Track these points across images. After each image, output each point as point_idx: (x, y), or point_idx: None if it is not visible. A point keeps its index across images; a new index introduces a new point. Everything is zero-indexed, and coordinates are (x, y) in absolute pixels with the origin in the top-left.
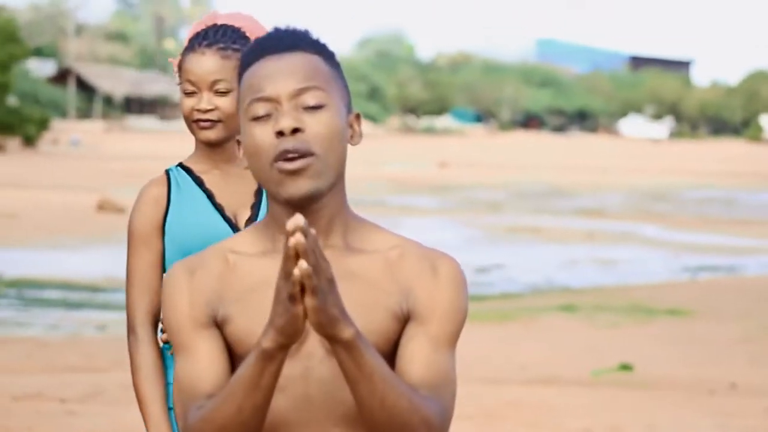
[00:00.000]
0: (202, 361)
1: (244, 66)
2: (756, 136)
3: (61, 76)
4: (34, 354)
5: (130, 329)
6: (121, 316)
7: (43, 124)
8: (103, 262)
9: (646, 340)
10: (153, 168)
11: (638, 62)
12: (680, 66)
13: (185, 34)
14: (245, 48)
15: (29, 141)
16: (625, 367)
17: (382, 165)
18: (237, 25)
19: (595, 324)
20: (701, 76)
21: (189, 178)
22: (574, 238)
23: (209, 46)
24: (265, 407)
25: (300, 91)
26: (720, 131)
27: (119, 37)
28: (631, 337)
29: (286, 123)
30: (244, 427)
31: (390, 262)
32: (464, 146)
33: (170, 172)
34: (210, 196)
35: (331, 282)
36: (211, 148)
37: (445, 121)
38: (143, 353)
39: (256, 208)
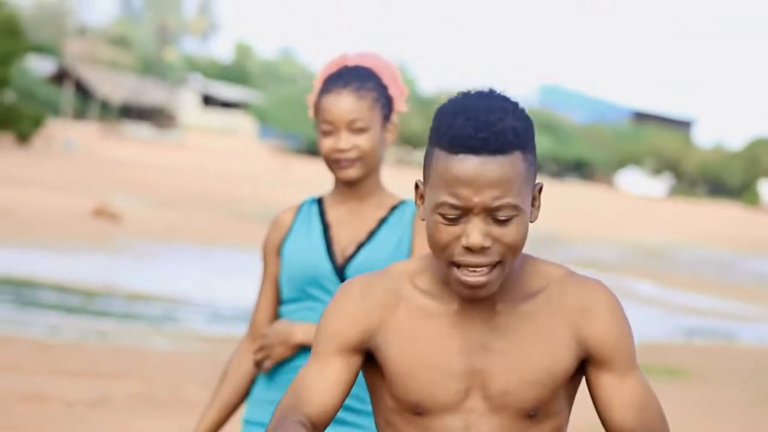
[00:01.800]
0: (327, 379)
1: (439, 141)
2: (753, 201)
3: (60, 77)
4: (37, 356)
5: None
6: (122, 326)
7: (38, 122)
8: (99, 268)
9: None
10: (149, 177)
11: (641, 117)
12: (682, 125)
13: (187, 43)
14: (441, 114)
15: (23, 138)
16: None
17: None
18: (366, 64)
19: None
20: (703, 137)
21: (317, 209)
22: None
23: (345, 86)
24: None
25: (495, 208)
26: (718, 192)
27: (121, 41)
28: None
29: (475, 240)
30: None
31: (552, 299)
32: None
33: (304, 202)
34: (327, 229)
35: None
36: (347, 185)
37: None
38: (233, 358)
39: (369, 235)
